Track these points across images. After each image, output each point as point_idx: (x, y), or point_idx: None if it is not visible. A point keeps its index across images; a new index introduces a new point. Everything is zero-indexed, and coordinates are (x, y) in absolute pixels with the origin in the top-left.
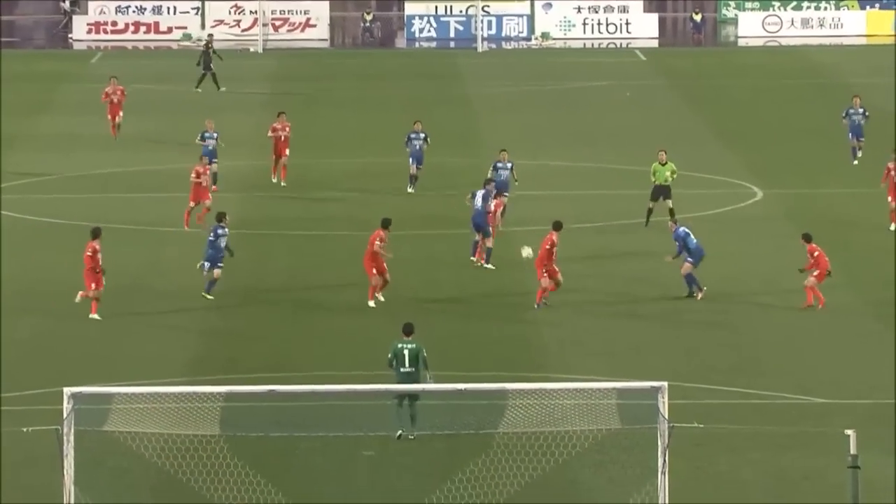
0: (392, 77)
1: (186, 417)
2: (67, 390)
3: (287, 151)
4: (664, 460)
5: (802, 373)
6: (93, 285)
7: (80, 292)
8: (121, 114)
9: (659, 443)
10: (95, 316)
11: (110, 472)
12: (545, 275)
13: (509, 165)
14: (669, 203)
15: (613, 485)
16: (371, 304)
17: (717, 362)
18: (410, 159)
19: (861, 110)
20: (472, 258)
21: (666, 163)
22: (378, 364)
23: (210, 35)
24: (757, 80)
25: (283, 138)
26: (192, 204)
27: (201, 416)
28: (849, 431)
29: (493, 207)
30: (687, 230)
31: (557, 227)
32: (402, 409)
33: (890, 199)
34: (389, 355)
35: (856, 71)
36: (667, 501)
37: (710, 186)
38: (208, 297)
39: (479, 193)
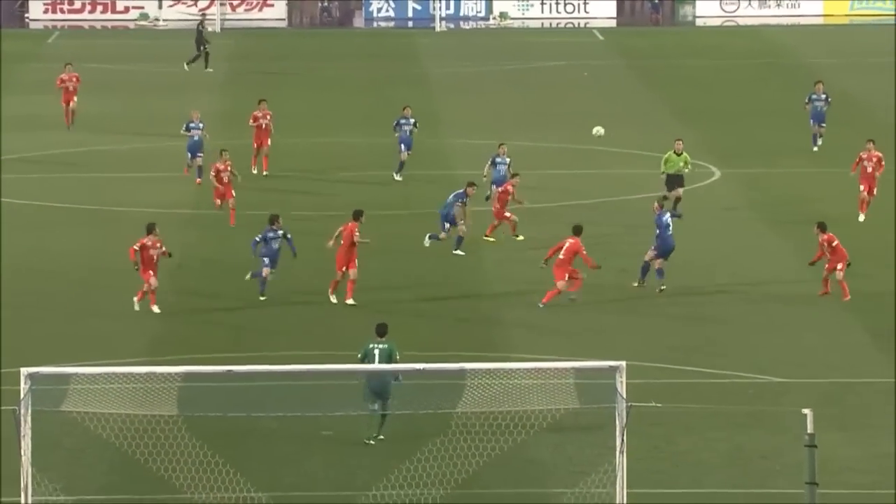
0: (350, 57)
1: (144, 398)
2: (24, 370)
3: (269, 141)
4: (622, 440)
5: (760, 353)
6: (151, 280)
7: (138, 293)
8: (75, 99)
9: (617, 422)
10: (156, 308)
11: (68, 452)
12: (566, 277)
13: (507, 160)
14: (680, 191)
15: (571, 464)
16: (333, 299)
17: (675, 342)
18: (401, 145)
19: (823, 96)
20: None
21: (682, 153)
22: (335, 344)
23: (203, 14)
24: (714, 61)
25: (263, 126)
26: (218, 202)
27: (159, 397)
28: (806, 410)
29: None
30: (669, 221)
31: (578, 231)
32: (374, 412)
33: (862, 187)
34: (359, 355)
35: (813, 52)
36: (625, 481)
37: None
38: (262, 297)
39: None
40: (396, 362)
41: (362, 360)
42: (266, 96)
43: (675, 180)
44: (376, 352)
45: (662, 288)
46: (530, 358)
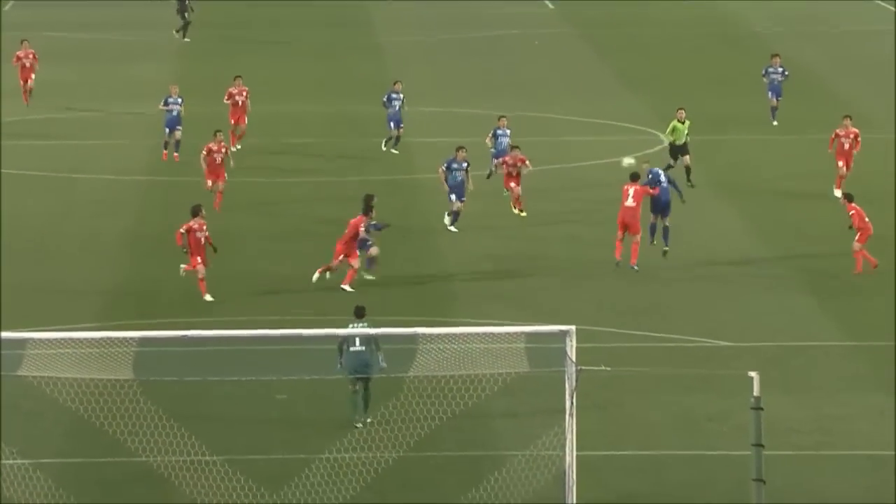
0: (303, 25)
1: (100, 362)
2: None
3: (245, 119)
4: (572, 402)
5: (708, 317)
6: (199, 266)
7: (184, 265)
8: (33, 77)
9: (567, 385)
10: (208, 297)
11: (25, 416)
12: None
13: (508, 132)
14: (688, 160)
15: (522, 426)
16: (315, 277)
17: (624, 307)
18: (389, 121)
19: (780, 69)
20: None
21: (685, 121)
22: (290, 308)
23: None
24: (664, 30)
25: (240, 104)
26: (209, 183)
27: (115, 361)
28: (752, 373)
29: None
30: (665, 180)
31: (636, 177)
32: (357, 394)
33: (841, 163)
34: (340, 339)
35: (762, 21)
36: (574, 443)
37: (616, 133)
38: (370, 276)
39: (450, 161)
40: (377, 341)
41: (342, 342)
42: (221, 64)
43: (679, 149)
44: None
45: (665, 250)
46: (481, 323)
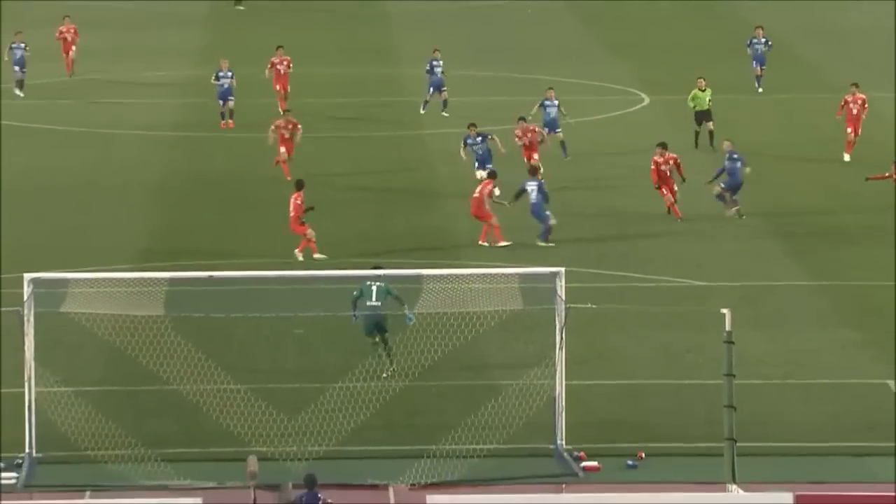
0: None
1: (135, 300)
2: (27, 276)
3: (287, 85)
4: (561, 337)
5: (684, 260)
6: (307, 231)
7: (298, 248)
8: (74, 49)
9: (556, 322)
10: (320, 255)
11: (67, 348)
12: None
13: (556, 103)
14: (711, 125)
15: (516, 358)
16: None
17: (607, 251)
18: (430, 87)
19: (763, 40)
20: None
21: (705, 89)
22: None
23: None
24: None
25: (282, 72)
26: (281, 151)
27: (148, 299)
28: (724, 310)
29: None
30: (739, 157)
31: (665, 146)
32: (377, 346)
33: (849, 130)
34: (356, 293)
35: None
36: (563, 373)
37: (601, 93)
38: (546, 244)
39: (465, 137)
40: (398, 297)
41: (359, 297)
42: (237, 32)
43: (702, 115)
44: (374, 288)
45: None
46: (480, 265)
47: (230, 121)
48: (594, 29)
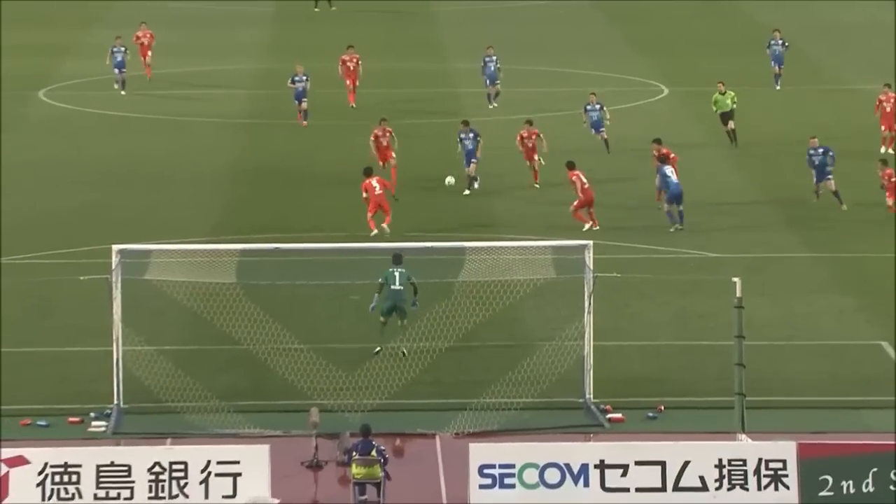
0: None
1: (210, 269)
2: (115, 247)
3: (356, 80)
4: (590, 303)
5: (699, 232)
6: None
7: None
8: (150, 54)
9: (585, 289)
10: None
11: (150, 312)
12: None
13: (598, 106)
14: (731, 124)
15: (549, 322)
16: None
17: (630, 224)
18: (486, 79)
19: (781, 41)
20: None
21: (725, 92)
22: (358, 227)
23: None
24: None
25: (352, 68)
26: (381, 164)
27: (221, 268)
28: (735, 279)
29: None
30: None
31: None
32: (386, 325)
33: (883, 127)
34: (381, 280)
35: None
36: (591, 335)
37: (622, 85)
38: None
39: (458, 132)
40: (414, 285)
41: (383, 282)
42: (303, 30)
43: (726, 115)
44: (396, 274)
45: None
46: (516, 238)
47: (304, 121)
48: (619, 26)
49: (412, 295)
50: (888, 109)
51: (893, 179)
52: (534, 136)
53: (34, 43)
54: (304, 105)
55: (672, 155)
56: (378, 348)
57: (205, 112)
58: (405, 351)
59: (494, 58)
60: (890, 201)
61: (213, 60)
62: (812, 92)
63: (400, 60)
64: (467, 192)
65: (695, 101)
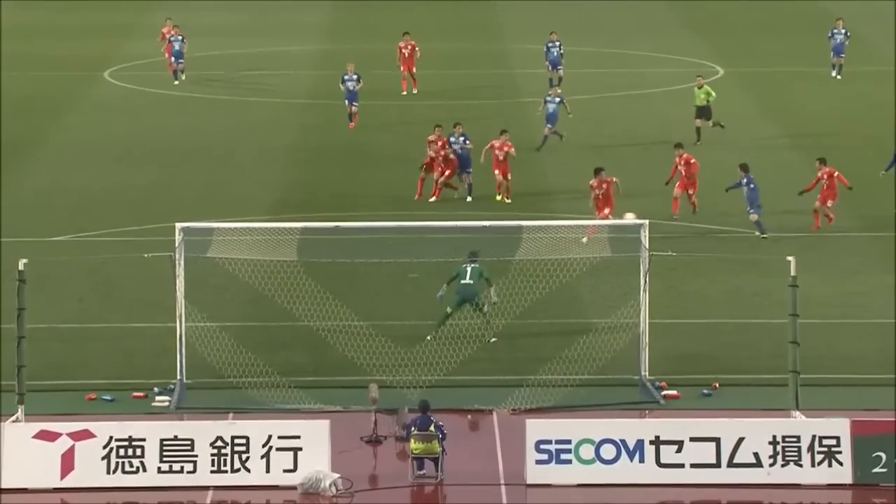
0: None
1: (271, 246)
2: (178, 225)
3: (413, 67)
4: (645, 281)
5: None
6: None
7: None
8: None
9: (641, 267)
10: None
11: (212, 289)
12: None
13: (558, 99)
14: (699, 122)
15: (605, 300)
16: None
17: (684, 205)
18: (547, 64)
19: (843, 31)
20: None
21: (702, 86)
22: (415, 206)
23: None
24: None
25: (407, 55)
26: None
27: (283, 246)
28: (790, 258)
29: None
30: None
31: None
32: (447, 317)
33: None
34: (454, 272)
35: None
36: (647, 312)
37: (679, 66)
38: (763, 236)
39: (449, 135)
40: (487, 278)
41: (455, 277)
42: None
43: (701, 110)
44: (469, 269)
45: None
46: (574, 217)
47: (351, 124)
48: (674, 8)
49: (486, 289)
50: None
51: (835, 175)
52: (505, 149)
53: (99, 24)
54: (355, 108)
55: (693, 161)
56: (429, 336)
57: (266, 92)
58: (493, 339)
59: (558, 43)
60: (817, 204)
61: (274, 41)
62: (865, 73)
63: (457, 41)
64: (469, 198)
65: (749, 81)
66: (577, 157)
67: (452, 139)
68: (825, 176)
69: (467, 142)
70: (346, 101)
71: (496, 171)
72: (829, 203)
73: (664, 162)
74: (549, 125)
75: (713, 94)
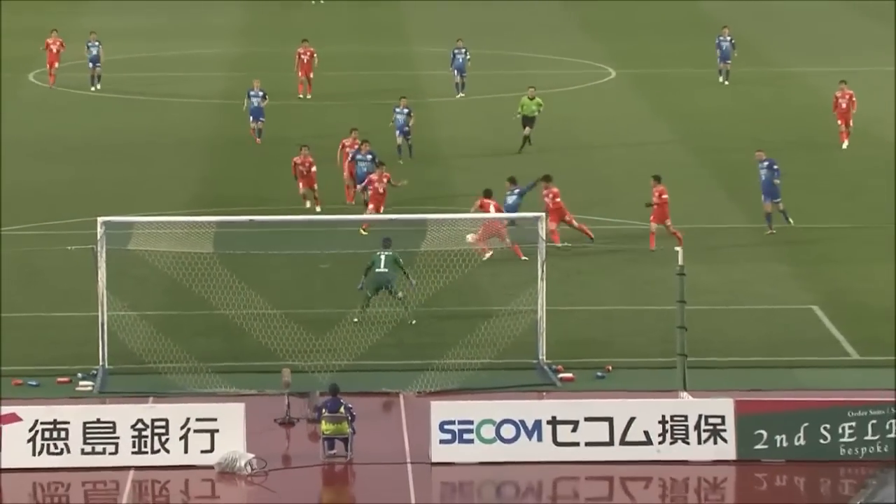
0: None
1: (189, 239)
2: (100, 219)
3: (310, 72)
4: (542, 270)
5: (644, 207)
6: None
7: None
8: (56, 64)
9: (538, 257)
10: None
11: (133, 279)
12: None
13: (406, 111)
14: (528, 130)
15: (506, 288)
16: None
17: (577, 199)
18: (454, 69)
19: (729, 38)
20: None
21: (533, 98)
22: (331, 200)
23: None
24: None
25: (305, 61)
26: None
27: (200, 239)
28: (677, 248)
29: None
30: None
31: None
32: (367, 304)
33: (840, 122)
34: (369, 262)
35: None
36: (544, 300)
37: (572, 68)
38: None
39: (354, 153)
40: (402, 265)
41: (369, 265)
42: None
43: (526, 120)
44: (382, 257)
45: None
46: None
47: (258, 139)
48: (570, 10)
49: (401, 275)
50: (843, 106)
51: (664, 196)
52: (385, 180)
53: (23, 27)
54: (260, 124)
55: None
56: (356, 319)
57: (182, 93)
58: (413, 321)
59: (464, 49)
60: (653, 225)
61: (191, 43)
62: (750, 74)
63: (362, 43)
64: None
65: (642, 82)
66: (478, 160)
67: (359, 156)
68: (657, 194)
69: (375, 159)
70: (251, 118)
71: (371, 206)
72: (668, 221)
73: (558, 162)
74: (400, 133)
75: (543, 105)
